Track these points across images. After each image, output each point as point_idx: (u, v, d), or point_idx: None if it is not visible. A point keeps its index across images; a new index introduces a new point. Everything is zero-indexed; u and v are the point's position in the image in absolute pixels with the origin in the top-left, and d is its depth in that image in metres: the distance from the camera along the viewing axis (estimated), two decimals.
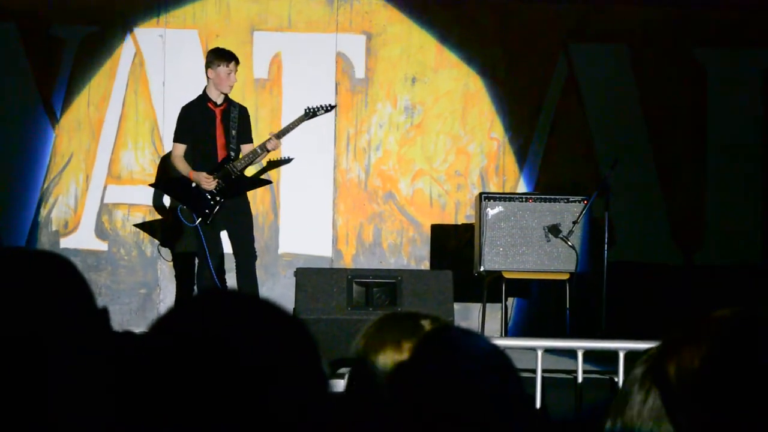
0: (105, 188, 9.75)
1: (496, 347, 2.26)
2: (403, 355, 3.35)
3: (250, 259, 8.44)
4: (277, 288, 9.50)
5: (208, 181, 8.44)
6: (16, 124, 9.71)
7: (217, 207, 8.45)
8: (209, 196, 8.46)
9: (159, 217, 9.68)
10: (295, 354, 1.59)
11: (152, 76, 9.79)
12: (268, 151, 8.58)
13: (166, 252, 9.67)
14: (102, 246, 9.69)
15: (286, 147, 9.11)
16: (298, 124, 8.59)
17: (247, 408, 1.48)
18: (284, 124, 9.64)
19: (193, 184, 8.50)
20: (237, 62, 8.53)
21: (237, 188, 8.52)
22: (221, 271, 8.62)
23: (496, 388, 2.19)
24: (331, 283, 7.24)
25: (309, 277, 7.31)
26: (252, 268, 8.44)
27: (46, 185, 9.72)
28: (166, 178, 9.29)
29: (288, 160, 9.43)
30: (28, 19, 9.73)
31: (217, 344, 1.51)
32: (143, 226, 9.69)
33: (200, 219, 8.46)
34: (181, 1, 9.83)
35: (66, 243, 9.70)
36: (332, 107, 8.72)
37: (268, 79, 9.85)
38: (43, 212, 9.71)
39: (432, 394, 2.19)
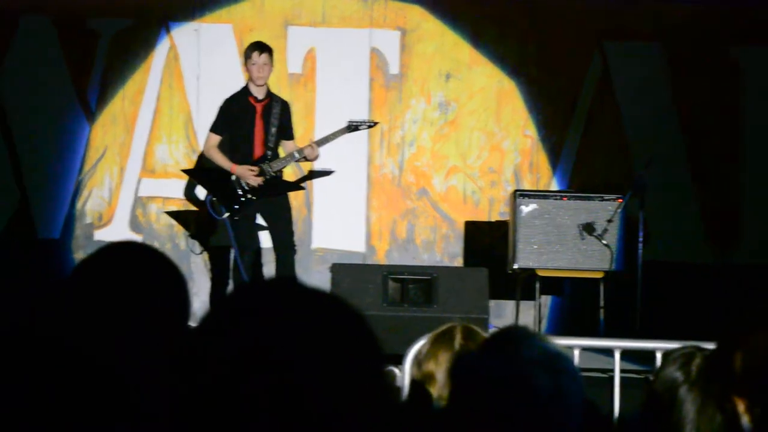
0: (139, 181, 9.78)
1: (555, 348, 2.26)
2: (454, 357, 3.34)
3: (290, 252, 8.44)
4: (310, 283, 9.50)
5: (253, 175, 8.39)
6: (51, 117, 9.75)
7: (245, 204, 8.42)
8: (240, 192, 8.43)
9: (192, 208, 9.71)
10: (366, 356, 1.59)
11: (187, 71, 9.82)
12: (305, 158, 8.53)
13: (196, 244, 9.69)
14: (136, 239, 9.71)
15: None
16: (339, 136, 8.56)
17: (314, 410, 1.47)
18: (318, 119, 9.68)
19: (233, 177, 8.46)
20: (269, 52, 8.46)
21: (270, 189, 8.47)
22: (256, 266, 8.61)
23: (552, 389, 2.20)
24: (367, 280, 7.25)
25: (344, 273, 7.32)
26: (291, 260, 8.44)
27: (80, 178, 9.76)
28: (199, 167, 9.30)
29: (328, 173, 9.42)
30: (63, 13, 9.77)
31: (284, 348, 1.51)
32: (176, 216, 9.72)
33: (228, 213, 8.46)
34: None
35: (100, 235, 9.74)
36: (375, 123, 8.69)
37: (302, 74, 9.86)
38: (78, 204, 9.75)
39: (490, 393, 2.20)
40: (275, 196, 8.51)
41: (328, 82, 9.82)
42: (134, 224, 9.77)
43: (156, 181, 9.71)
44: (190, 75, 9.81)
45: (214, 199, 8.50)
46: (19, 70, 9.74)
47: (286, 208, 8.56)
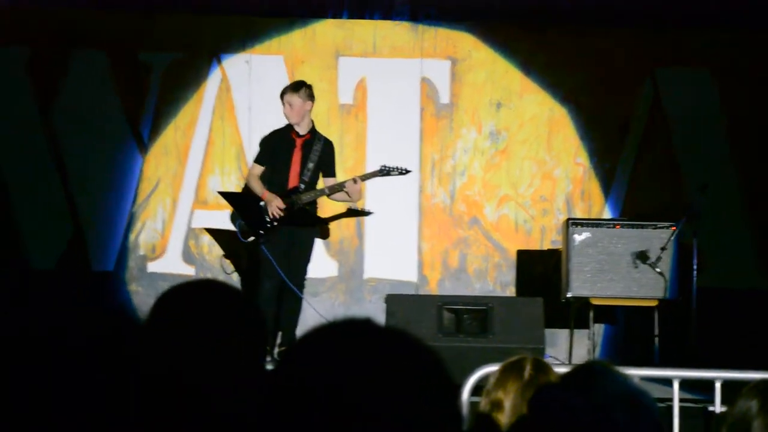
0: (192, 213, 9.84)
1: (634, 384, 2.27)
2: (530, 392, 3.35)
3: (297, 290, 8.49)
4: (363, 313, 9.50)
5: (279, 205, 8.49)
6: (104, 149, 9.83)
7: (271, 231, 8.50)
8: (268, 219, 8.53)
9: (229, 229, 9.71)
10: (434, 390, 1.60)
11: (238, 102, 9.88)
12: (347, 193, 8.54)
13: (228, 264, 9.72)
14: (189, 270, 9.77)
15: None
16: (371, 178, 8.63)
17: None
18: (369, 150, 9.71)
19: (262, 203, 8.56)
20: (287, 92, 8.55)
21: (295, 220, 8.55)
22: (274, 293, 8.57)
23: (630, 425, 2.20)
24: (422, 310, 7.25)
25: (399, 304, 7.32)
26: (296, 296, 8.47)
27: (134, 210, 9.83)
28: (234, 192, 9.37)
29: (366, 213, 9.45)
30: (116, 47, 9.87)
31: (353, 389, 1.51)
32: (213, 234, 9.74)
33: (252, 238, 8.55)
34: (267, 27, 9.91)
35: (153, 267, 9.80)
36: (407, 171, 8.70)
37: (353, 105, 9.89)
38: (132, 237, 9.82)
39: (568, 426, 2.20)
40: (303, 227, 8.57)
41: (379, 112, 9.86)
42: (187, 256, 9.82)
43: (209, 213, 9.76)
44: (241, 106, 9.87)
45: (243, 222, 8.62)
46: (73, 103, 9.84)
47: (307, 247, 8.63)
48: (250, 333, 2.46)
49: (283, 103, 8.59)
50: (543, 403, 2.28)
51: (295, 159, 8.63)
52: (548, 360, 5.00)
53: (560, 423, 2.21)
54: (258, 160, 8.78)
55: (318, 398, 1.53)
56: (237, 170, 9.79)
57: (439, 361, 1.68)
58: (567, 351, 9.03)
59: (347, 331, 1.69)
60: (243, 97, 9.87)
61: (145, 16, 9.90)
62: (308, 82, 8.70)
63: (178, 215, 9.84)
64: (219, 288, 2.57)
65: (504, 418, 3.39)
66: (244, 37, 9.90)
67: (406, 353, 1.64)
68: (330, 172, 8.73)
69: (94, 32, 9.84)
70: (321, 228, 9.11)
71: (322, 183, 8.74)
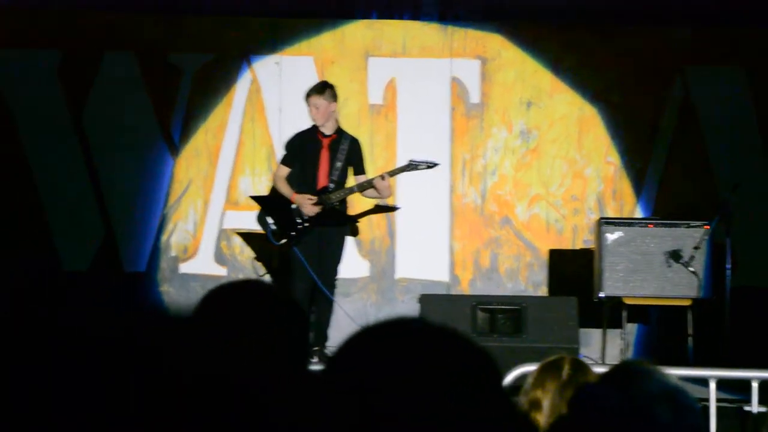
0: (223, 214, 9.87)
1: (675, 383, 2.27)
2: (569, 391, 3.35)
3: (328, 288, 8.49)
4: (395, 313, 9.51)
5: (310, 204, 8.51)
6: (135, 152, 9.88)
7: (301, 233, 8.51)
8: (299, 220, 8.55)
9: (258, 233, 9.73)
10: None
11: (268, 103, 9.90)
12: (376, 190, 8.55)
13: (260, 266, 9.73)
14: (221, 271, 9.80)
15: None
16: (399, 173, 8.64)
17: None
18: (400, 150, 9.71)
19: (293, 206, 8.57)
20: (312, 94, 8.55)
21: (327, 219, 8.56)
22: (306, 294, 8.58)
23: (672, 424, 2.19)
24: (455, 310, 7.25)
25: (433, 304, 7.32)
26: (327, 297, 8.48)
27: (165, 211, 9.86)
28: (265, 195, 9.39)
29: (394, 208, 9.45)
30: (146, 49, 9.91)
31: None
32: (246, 238, 9.77)
33: (284, 240, 8.57)
34: (297, 28, 9.93)
35: (185, 268, 9.83)
36: (435, 165, 8.70)
37: (383, 105, 9.90)
38: (163, 238, 9.85)
39: (609, 425, 2.20)
40: (333, 227, 8.59)
41: (409, 112, 9.86)
42: (219, 257, 9.85)
43: (240, 214, 9.78)
44: (272, 108, 9.89)
45: (275, 225, 8.64)
46: (103, 105, 9.88)
47: (339, 246, 8.64)
48: (296, 333, 2.47)
49: (309, 106, 8.58)
50: (583, 402, 2.29)
51: (323, 159, 8.64)
52: (583, 360, 5.00)
53: (601, 422, 2.21)
54: (284, 162, 8.78)
55: (377, 398, 1.53)
56: (268, 171, 9.80)
57: (494, 361, 1.69)
58: (600, 351, 9.00)
59: (401, 331, 1.70)
60: (273, 98, 9.89)
61: (175, 18, 9.94)
62: (334, 83, 8.71)
63: (209, 216, 9.86)
64: (262, 289, 2.58)
65: (542, 417, 3.41)
66: (273, 39, 9.92)
67: (463, 352, 1.64)
68: (360, 170, 8.73)
69: (124, 35, 9.88)
70: (351, 226, 9.10)
71: (352, 181, 8.75)
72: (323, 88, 8.58)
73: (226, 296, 2.54)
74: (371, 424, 1.53)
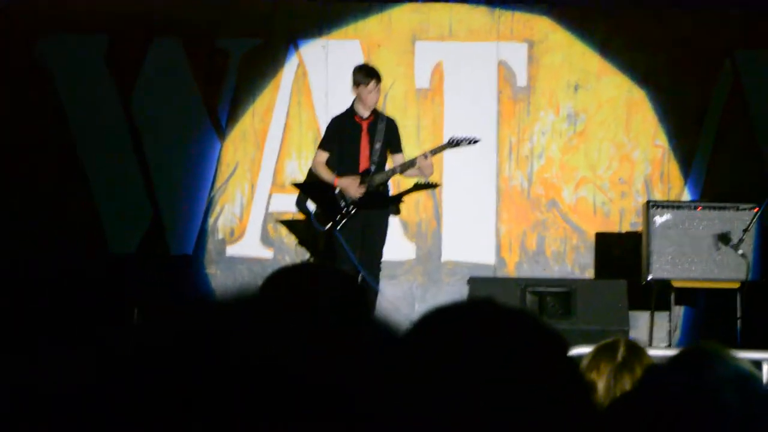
0: (270, 197, 9.90)
1: (746, 368, 2.26)
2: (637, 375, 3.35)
3: (371, 273, 8.50)
4: (441, 296, 9.52)
5: (355, 186, 8.53)
6: (182, 135, 9.94)
7: (346, 217, 8.54)
8: (343, 204, 8.58)
9: (302, 217, 9.75)
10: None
11: (315, 87, 9.92)
12: (419, 169, 8.58)
13: (304, 252, 9.77)
14: (267, 254, 9.84)
15: (449, 154, 9.19)
16: (442, 150, 8.67)
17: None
18: (446, 133, 9.71)
19: (337, 190, 8.61)
20: (378, 79, 8.60)
21: (371, 202, 8.59)
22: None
23: (742, 410, 2.19)
24: (504, 293, 7.25)
25: (482, 287, 7.34)
26: (371, 281, 8.49)
27: (212, 194, 9.91)
28: (308, 181, 9.42)
29: (434, 186, 9.39)
30: (193, 34, 9.95)
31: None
32: (288, 225, 9.79)
33: (330, 224, 8.59)
34: (344, 12, 9.94)
35: (232, 251, 9.88)
36: (477, 141, 8.70)
37: (429, 89, 9.89)
38: (210, 220, 9.91)
39: (677, 408, 2.19)
40: (377, 209, 8.61)
41: (456, 95, 9.85)
42: (265, 239, 9.89)
43: (286, 197, 9.80)
44: (318, 91, 9.91)
45: (319, 210, 8.68)
46: (151, 90, 9.95)
47: (382, 231, 8.68)
48: (366, 315, 2.49)
49: (369, 91, 8.57)
50: (650, 383, 2.28)
51: (363, 142, 8.68)
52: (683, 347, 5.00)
53: (669, 404, 2.20)
54: (323, 146, 8.84)
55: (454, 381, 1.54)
56: (314, 154, 9.82)
57: (566, 345, 1.69)
58: (647, 333, 8.97)
59: (476, 313, 1.70)
60: (320, 82, 9.91)
61: (222, 2, 9.97)
62: (381, 67, 8.82)
63: (256, 199, 9.91)
64: (330, 271, 2.60)
65: (597, 399, 3.40)
66: (320, 23, 9.94)
67: (542, 336, 1.65)
68: (397, 149, 8.80)
69: (171, 20, 9.92)
70: (393, 207, 9.12)
71: (391, 162, 8.77)
72: (379, 74, 8.65)
73: (298, 278, 2.55)
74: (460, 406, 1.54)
